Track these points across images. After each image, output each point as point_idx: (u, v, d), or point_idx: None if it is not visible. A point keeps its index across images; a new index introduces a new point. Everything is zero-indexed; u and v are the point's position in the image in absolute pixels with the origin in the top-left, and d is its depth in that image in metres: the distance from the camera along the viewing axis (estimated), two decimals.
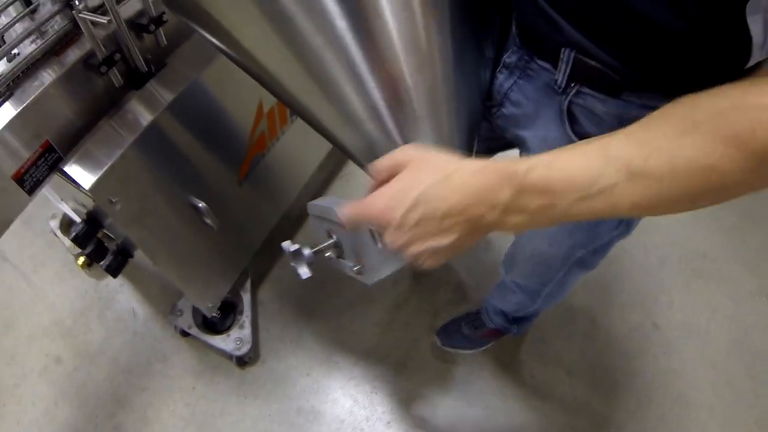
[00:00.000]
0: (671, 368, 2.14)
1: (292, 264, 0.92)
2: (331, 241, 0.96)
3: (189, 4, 0.96)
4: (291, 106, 1.04)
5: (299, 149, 2.12)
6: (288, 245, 0.92)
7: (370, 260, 0.89)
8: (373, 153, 0.93)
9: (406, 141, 0.90)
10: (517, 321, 1.89)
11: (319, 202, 0.96)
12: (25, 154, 1.18)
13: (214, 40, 1.02)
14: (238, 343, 2.03)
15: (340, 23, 0.82)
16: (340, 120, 0.94)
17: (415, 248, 0.72)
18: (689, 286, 2.35)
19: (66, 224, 2.38)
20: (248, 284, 2.19)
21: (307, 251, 0.92)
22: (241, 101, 1.65)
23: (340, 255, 0.97)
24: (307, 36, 0.84)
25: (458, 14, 0.91)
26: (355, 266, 0.91)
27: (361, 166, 1.00)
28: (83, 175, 1.25)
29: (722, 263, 2.41)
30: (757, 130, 0.56)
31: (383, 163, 0.77)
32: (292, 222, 2.46)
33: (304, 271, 0.93)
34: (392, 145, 0.90)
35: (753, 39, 0.67)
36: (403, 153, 0.76)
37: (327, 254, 0.97)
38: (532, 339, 2.19)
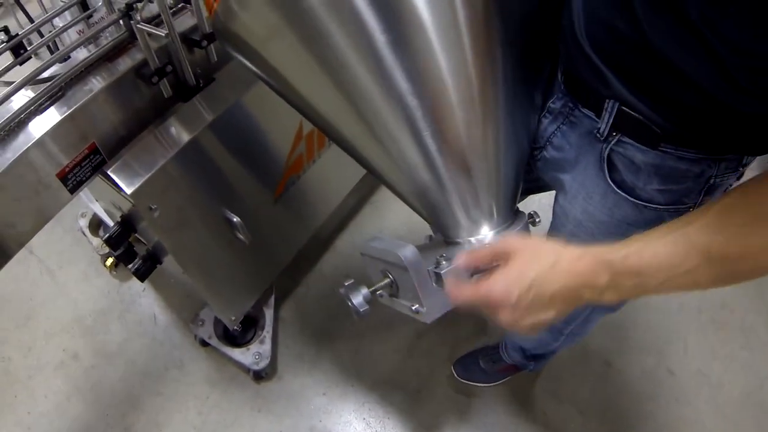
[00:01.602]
0: (682, 416, 2.12)
1: (350, 302, 0.95)
2: (387, 280, 0.98)
3: (247, 49, 0.99)
4: (344, 148, 1.07)
5: (334, 173, 2.14)
6: (350, 283, 0.97)
7: (429, 301, 0.92)
8: (425, 197, 0.97)
9: (456, 188, 0.94)
10: (535, 358, 1.89)
11: (377, 243, 0.98)
12: (71, 154, 1.21)
13: (270, 81, 1.05)
14: (257, 357, 2.05)
15: (398, 75, 0.85)
16: (395, 166, 0.97)
17: (524, 322, 0.82)
18: (706, 334, 2.34)
19: (95, 224, 2.41)
20: (272, 301, 2.20)
21: (364, 290, 0.96)
22: (282, 122, 1.68)
23: (394, 294, 0.99)
24: (366, 87, 0.88)
25: (511, 65, 0.94)
26: (413, 305, 0.94)
27: (410, 205, 1.04)
28: (126, 180, 1.28)
29: (740, 314, 2.40)
30: None
31: (484, 251, 0.87)
32: (320, 243, 2.48)
33: (362, 305, 0.95)
34: (444, 191, 0.94)
35: None
36: (506, 243, 0.86)
37: (379, 293, 0.99)
38: (547, 376, 2.19)
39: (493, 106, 0.92)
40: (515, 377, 2.13)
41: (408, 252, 0.90)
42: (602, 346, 2.27)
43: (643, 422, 2.11)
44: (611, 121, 0.93)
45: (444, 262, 0.93)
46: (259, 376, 2.11)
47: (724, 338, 2.33)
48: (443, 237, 1.04)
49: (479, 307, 0.85)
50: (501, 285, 0.82)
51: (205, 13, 1.32)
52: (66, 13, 1.31)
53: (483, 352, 2.14)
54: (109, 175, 1.28)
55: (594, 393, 2.17)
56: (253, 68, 1.08)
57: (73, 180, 1.24)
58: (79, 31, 1.31)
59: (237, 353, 2.06)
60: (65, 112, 1.17)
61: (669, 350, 2.29)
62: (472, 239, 1.00)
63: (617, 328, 2.32)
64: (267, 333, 2.11)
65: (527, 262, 0.82)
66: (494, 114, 0.93)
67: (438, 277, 0.92)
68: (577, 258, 0.79)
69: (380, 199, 2.66)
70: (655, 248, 0.74)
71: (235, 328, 2.03)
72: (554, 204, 1.19)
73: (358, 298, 0.95)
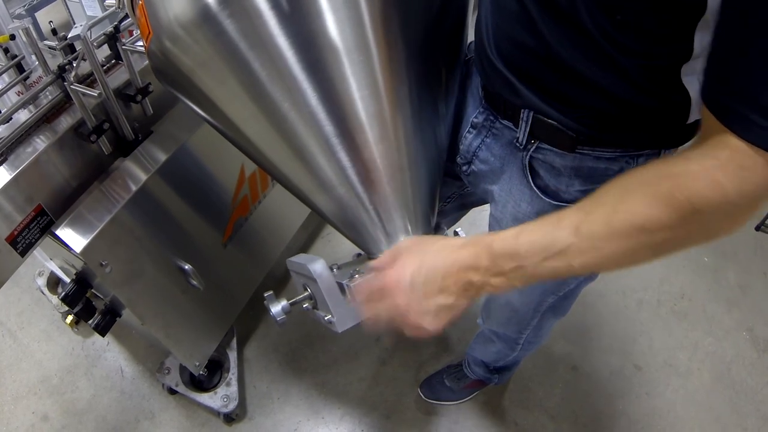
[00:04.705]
0: (655, 408, 2.15)
1: (271, 312, 1.00)
2: (306, 293, 1.02)
3: (181, 80, 1.00)
4: (271, 173, 1.09)
5: (281, 211, 2.17)
6: (269, 294, 1.02)
7: (338, 311, 0.95)
8: (345, 214, 0.99)
9: (372, 203, 0.96)
10: (498, 371, 1.92)
11: (296, 258, 1.02)
12: (18, 217, 1.22)
13: (201, 113, 1.06)
14: (225, 400, 2.04)
15: (313, 100, 0.88)
16: (315, 185, 0.99)
17: (424, 305, 0.84)
18: (669, 326, 2.38)
19: (53, 282, 2.40)
20: (234, 342, 2.20)
21: (283, 302, 1.01)
22: (224, 168, 1.70)
23: (315, 306, 1.03)
24: (285, 111, 0.90)
25: (416, 81, 0.96)
26: (326, 316, 0.97)
27: (334, 226, 1.06)
28: (74, 239, 1.28)
29: (700, 302, 2.46)
30: (675, 193, 0.66)
31: (386, 253, 0.92)
32: (276, 281, 2.48)
33: (279, 314, 1.01)
34: (361, 207, 0.97)
35: (692, 99, 0.80)
36: (400, 244, 0.92)
37: (304, 305, 1.03)
38: (515, 388, 2.21)
39: (402, 120, 0.94)
40: (483, 392, 2.15)
41: (317, 265, 0.94)
42: (566, 351, 2.30)
43: (617, 420, 2.14)
44: (528, 129, 0.97)
45: (357, 276, 0.97)
46: (229, 418, 2.11)
47: (687, 328, 2.37)
48: (366, 254, 1.07)
49: (381, 307, 0.88)
50: (394, 271, 0.86)
51: (138, 67, 1.33)
52: (4, 75, 1.32)
53: (447, 371, 2.15)
54: (58, 236, 1.28)
55: (564, 398, 2.19)
56: (191, 104, 1.09)
57: (22, 243, 1.25)
58: (19, 92, 1.32)
59: (205, 398, 2.05)
60: (9, 176, 1.19)
61: (634, 347, 2.32)
62: None
63: (579, 333, 2.35)
64: (233, 375, 2.11)
65: (416, 252, 0.87)
66: (402, 129, 0.95)
67: (349, 289, 0.95)
68: (461, 245, 0.83)
69: (331, 232, 2.68)
70: (530, 231, 0.77)
71: (201, 373, 2.02)
72: (489, 215, 1.23)
73: (276, 308, 1.00)
